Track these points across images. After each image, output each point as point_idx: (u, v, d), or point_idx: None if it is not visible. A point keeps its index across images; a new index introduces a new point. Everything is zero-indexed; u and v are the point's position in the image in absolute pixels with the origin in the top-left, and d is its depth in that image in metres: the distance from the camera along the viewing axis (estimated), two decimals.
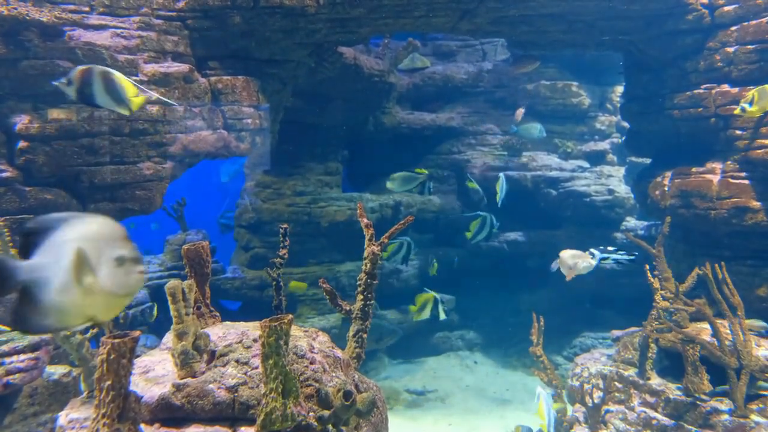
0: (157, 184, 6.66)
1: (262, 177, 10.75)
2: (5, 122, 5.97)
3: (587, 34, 7.88)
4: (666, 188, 7.71)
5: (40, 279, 2.19)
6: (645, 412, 6.05)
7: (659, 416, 5.91)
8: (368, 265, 3.98)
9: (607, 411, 6.33)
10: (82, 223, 2.26)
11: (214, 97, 7.11)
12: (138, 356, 3.24)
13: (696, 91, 7.26)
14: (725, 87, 7.00)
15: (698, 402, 5.67)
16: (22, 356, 4.81)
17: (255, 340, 3.35)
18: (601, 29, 7.70)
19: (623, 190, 10.84)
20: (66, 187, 6.21)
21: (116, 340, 2.46)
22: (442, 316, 8.74)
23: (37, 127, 5.92)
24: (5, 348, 4.77)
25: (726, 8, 6.94)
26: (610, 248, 6.60)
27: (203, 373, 3.18)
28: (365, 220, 4.06)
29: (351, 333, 4.04)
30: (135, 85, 4.96)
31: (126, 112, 5.08)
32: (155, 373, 3.32)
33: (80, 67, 4.87)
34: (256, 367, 3.14)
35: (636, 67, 8.47)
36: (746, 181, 6.79)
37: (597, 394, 6.33)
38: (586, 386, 6.57)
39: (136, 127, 6.41)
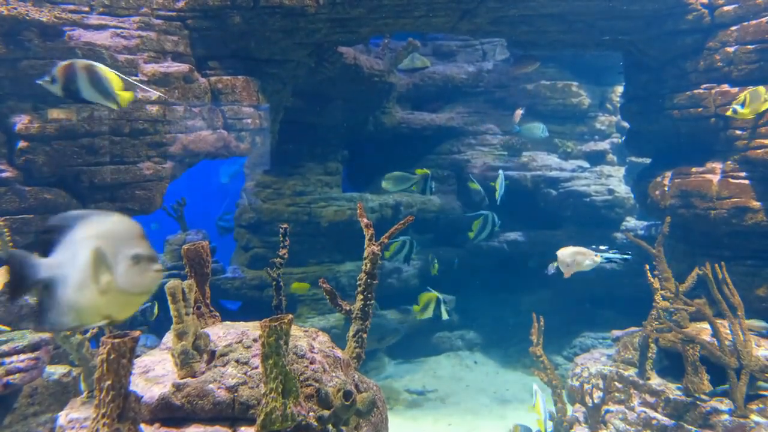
0: (157, 184, 6.66)
1: (262, 177, 10.75)
2: (5, 122, 5.97)
3: (587, 34, 7.88)
4: (666, 188, 7.71)
5: (58, 277, 2.20)
6: (645, 412, 6.06)
7: (659, 416, 5.91)
8: (368, 265, 3.98)
9: (607, 411, 6.33)
10: (99, 221, 2.27)
11: (214, 97, 7.11)
12: (138, 356, 3.24)
13: (696, 91, 7.26)
14: (725, 87, 7.00)
15: (698, 402, 5.68)
16: (22, 356, 4.81)
17: (255, 340, 3.35)
18: (601, 29, 7.70)
19: (623, 190, 10.84)
20: (66, 187, 6.21)
21: (116, 340, 2.46)
22: (445, 316, 8.74)
23: (37, 127, 5.92)
24: (5, 348, 4.77)
25: (726, 8, 6.93)
26: (602, 247, 6.57)
27: (203, 373, 3.18)
28: (365, 220, 4.06)
29: (351, 333, 4.04)
30: (120, 77, 4.84)
31: (114, 106, 4.93)
32: (155, 373, 3.32)
33: (62, 63, 4.73)
34: (256, 367, 3.14)
35: (636, 67, 8.47)
36: (746, 181, 6.79)
37: (597, 394, 6.33)
38: (586, 386, 6.57)
39: (136, 127, 6.41)
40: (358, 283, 4.05)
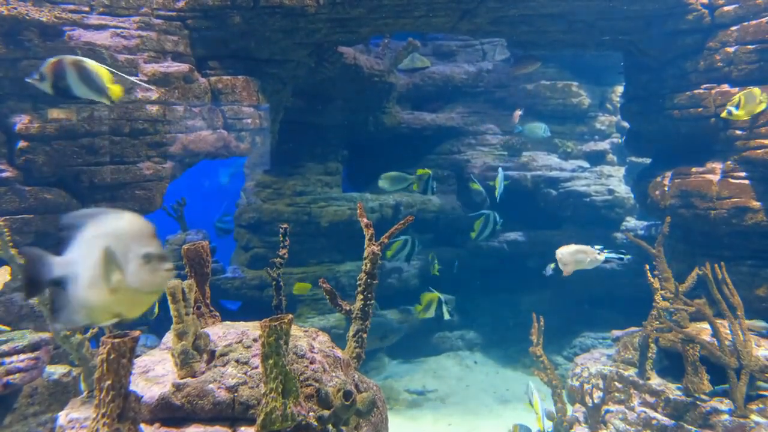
0: (156, 183, 6.66)
1: (262, 177, 10.75)
2: (5, 122, 5.98)
3: (587, 34, 7.88)
4: (666, 188, 7.71)
5: (70, 275, 2.22)
6: (645, 412, 6.05)
7: (659, 416, 5.91)
8: (368, 265, 3.98)
9: (607, 411, 6.33)
10: (111, 219, 2.28)
11: (214, 97, 7.11)
12: (138, 356, 3.24)
13: (696, 91, 7.26)
14: (725, 87, 7.00)
15: (698, 402, 5.68)
16: (22, 356, 4.82)
17: (255, 340, 3.35)
18: (601, 29, 7.71)
19: (623, 190, 10.85)
20: (66, 186, 6.21)
21: (116, 340, 2.46)
22: (447, 316, 8.73)
23: (37, 127, 5.93)
24: (5, 348, 4.78)
25: (726, 8, 6.94)
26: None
27: (203, 372, 3.18)
28: (365, 220, 4.06)
29: (351, 333, 4.04)
30: (111, 71, 4.74)
31: (107, 102, 4.83)
32: (155, 372, 3.32)
33: (50, 60, 4.60)
34: (256, 367, 3.14)
35: (636, 67, 8.47)
36: (746, 181, 6.79)
37: (597, 394, 6.33)
38: (586, 386, 6.57)
39: (136, 127, 6.41)
40: (358, 283, 4.05)
